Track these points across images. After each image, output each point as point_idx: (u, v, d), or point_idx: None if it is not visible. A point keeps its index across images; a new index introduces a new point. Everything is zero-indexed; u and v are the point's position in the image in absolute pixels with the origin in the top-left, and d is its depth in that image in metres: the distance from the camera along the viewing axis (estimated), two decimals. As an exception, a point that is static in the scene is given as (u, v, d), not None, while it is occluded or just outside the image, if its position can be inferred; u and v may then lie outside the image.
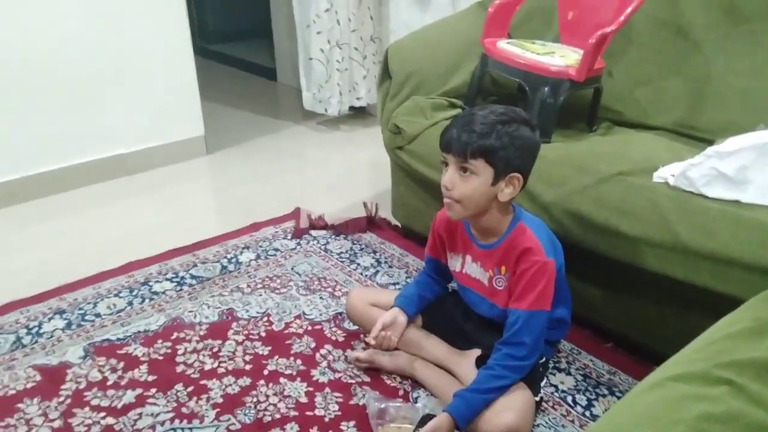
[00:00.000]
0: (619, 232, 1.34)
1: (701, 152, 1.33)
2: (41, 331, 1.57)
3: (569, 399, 1.38)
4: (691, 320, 1.16)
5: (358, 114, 3.23)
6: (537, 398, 1.29)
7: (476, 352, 1.36)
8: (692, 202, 1.28)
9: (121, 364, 1.46)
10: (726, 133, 1.40)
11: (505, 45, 1.73)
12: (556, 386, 1.41)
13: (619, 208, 1.35)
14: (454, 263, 1.41)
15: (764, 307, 0.97)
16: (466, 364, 1.36)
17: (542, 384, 1.35)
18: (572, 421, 1.32)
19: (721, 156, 1.28)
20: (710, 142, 1.43)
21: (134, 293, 1.73)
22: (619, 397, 1.37)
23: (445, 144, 1.22)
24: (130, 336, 1.55)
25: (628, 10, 1.60)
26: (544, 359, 1.36)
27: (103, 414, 1.32)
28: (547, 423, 1.31)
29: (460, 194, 1.22)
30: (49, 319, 1.62)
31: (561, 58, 1.65)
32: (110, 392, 1.38)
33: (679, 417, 0.75)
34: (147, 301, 1.70)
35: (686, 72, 1.74)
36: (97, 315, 1.64)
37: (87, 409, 1.33)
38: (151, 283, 1.77)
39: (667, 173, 1.37)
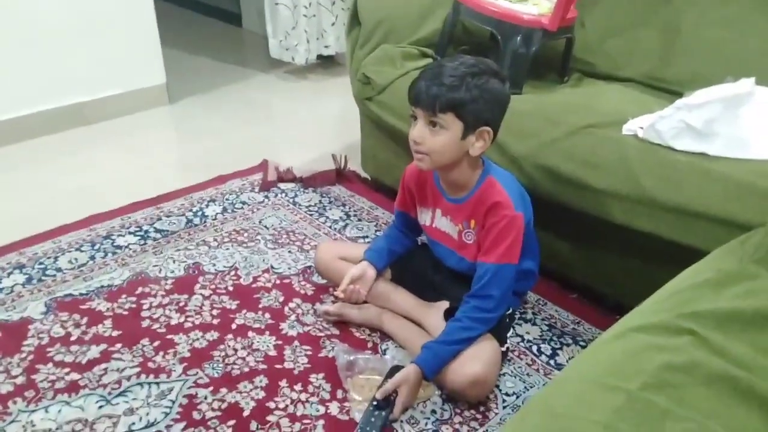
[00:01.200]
0: (588, 184, 1.35)
1: (670, 105, 1.32)
2: (0, 286, 1.53)
3: (534, 348, 1.41)
4: (655, 272, 1.17)
5: (327, 63, 3.15)
6: (503, 348, 1.31)
7: (444, 304, 1.37)
8: (660, 155, 1.29)
9: (85, 320, 1.43)
10: (695, 85, 1.40)
11: (477, -8, 1.68)
12: (522, 336, 1.44)
13: (588, 161, 1.35)
14: (424, 217, 1.40)
15: (727, 258, 0.99)
16: (434, 315, 1.37)
17: (508, 334, 1.37)
18: (537, 370, 1.35)
19: (690, 108, 1.28)
20: (679, 95, 1.42)
21: (96, 247, 1.69)
22: (583, 347, 1.41)
23: (414, 97, 1.19)
24: (93, 291, 1.52)
25: (603, -43, 1.57)
26: (510, 310, 1.37)
27: (67, 369, 1.30)
28: (512, 372, 1.34)
29: (429, 148, 1.20)
30: (9, 274, 1.57)
31: (534, 6, 1.62)
32: (74, 348, 1.35)
33: (641, 367, 0.77)
34: (110, 255, 1.66)
35: (657, 23, 1.73)
36: (58, 270, 1.60)
37: (50, 365, 1.31)
38: (113, 237, 1.73)
39: (636, 126, 1.37)
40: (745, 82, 1.30)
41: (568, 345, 1.42)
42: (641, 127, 1.35)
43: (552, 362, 1.37)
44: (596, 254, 1.47)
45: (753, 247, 0.97)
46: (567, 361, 1.37)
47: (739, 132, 1.27)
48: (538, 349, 1.41)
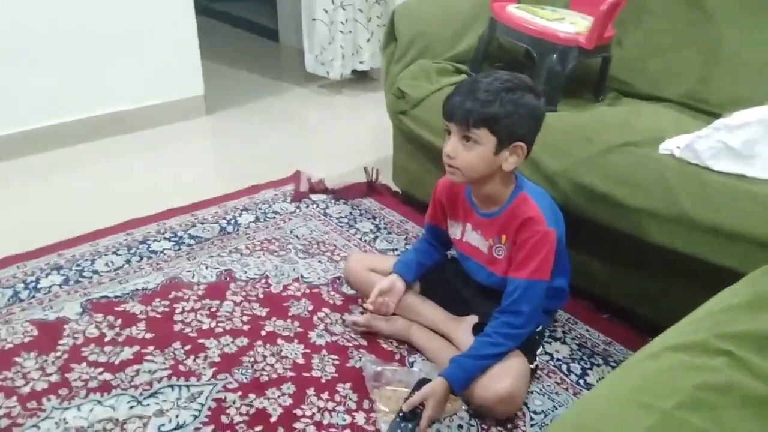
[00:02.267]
0: (624, 203, 1.33)
1: (709, 125, 1.31)
2: (39, 286, 1.57)
3: (564, 367, 1.39)
4: (691, 293, 1.15)
5: (361, 78, 3.19)
6: (532, 366, 1.29)
7: (473, 318, 1.36)
8: (698, 175, 1.27)
9: (119, 321, 1.46)
10: (734, 106, 1.38)
11: (514, 10, 1.69)
12: (551, 354, 1.42)
13: (624, 179, 1.34)
14: (455, 231, 1.40)
15: (765, 280, 0.97)
16: (463, 330, 1.36)
17: (538, 352, 1.35)
18: (566, 389, 1.33)
19: (729, 129, 1.27)
20: (718, 116, 1.41)
21: (132, 251, 1.72)
22: (613, 367, 1.38)
23: (448, 112, 1.20)
24: (128, 293, 1.55)
25: (642, -24, 1.57)
26: (540, 328, 1.36)
27: (100, 369, 1.32)
28: (541, 390, 1.32)
29: (462, 163, 1.20)
30: (47, 275, 1.61)
31: (571, 24, 1.62)
32: (107, 348, 1.38)
33: (676, 386, 0.76)
34: (145, 259, 1.69)
35: (698, 43, 1.71)
36: (95, 272, 1.64)
37: (84, 364, 1.34)
38: (149, 242, 1.77)
39: (673, 145, 1.35)
40: (787, 103, 1.28)
41: (598, 365, 1.40)
42: (678, 147, 1.33)
43: (581, 382, 1.35)
44: (630, 274, 1.45)
45: (793, 270, 0.95)
46: (597, 381, 1.35)
47: (780, 154, 1.25)
48: (568, 369, 1.39)
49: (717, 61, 1.67)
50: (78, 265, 1.65)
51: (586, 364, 1.40)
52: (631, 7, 1.67)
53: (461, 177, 1.23)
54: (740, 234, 1.18)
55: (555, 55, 1.57)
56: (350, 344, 1.42)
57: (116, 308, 1.50)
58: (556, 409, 1.28)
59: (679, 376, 0.77)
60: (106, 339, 1.41)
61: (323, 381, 1.31)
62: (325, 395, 1.28)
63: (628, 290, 1.47)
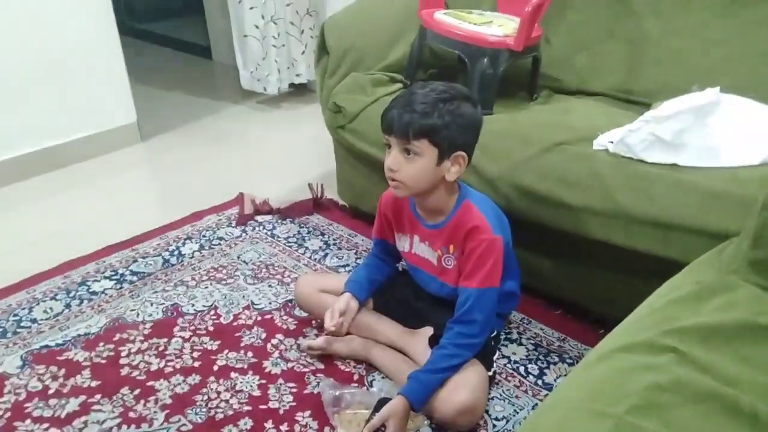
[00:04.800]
0: (563, 202, 1.35)
1: (639, 117, 1.33)
2: (-27, 342, 1.49)
3: (522, 369, 1.40)
4: (636, 285, 1.18)
5: (299, 91, 3.15)
6: (490, 373, 1.30)
7: (429, 330, 1.36)
8: (632, 168, 1.29)
9: (62, 371, 1.39)
10: (662, 95, 1.42)
11: (442, 16, 1.70)
12: (508, 357, 1.43)
13: (562, 178, 1.35)
14: (403, 244, 1.39)
15: (705, 270, 0.99)
16: (419, 343, 1.35)
17: (495, 357, 1.35)
18: (526, 392, 1.34)
19: (658, 120, 1.30)
20: (647, 106, 1.44)
21: (71, 295, 1.65)
22: (570, 364, 1.40)
23: (387, 125, 1.19)
24: (69, 340, 1.48)
25: (562, -25, 1.59)
26: (495, 333, 1.36)
27: (46, 425, 1.26)
28: (501, 395, 1.32)
29: (404, 176, 1.19)
30: (-19, 329, 1.53)
31: (499, 27, 1.63)
32: (52, 401, 1.31)
33: (627, 389, 0.76)
34: (86, 302, 1.62)
35: (622, 35, 1.75)
36: (33, 320, 1.56)
37: (29, 421, 1.27)
38: (89, 283, 1.69)
39: (606, 140, 1.37)
40: (711, 91, 1.32)
41: (555, 363, 1.41)
42: (611, 142, 1.36)
43: (540, 382, 1.36)
44: (577, 270, 1.47)
45: (730, 258, 0.97)
46: (555, 380, 1.36)
47: (708, 141, 1.28)
48: (526, 370, 1.39)
49: (642, 51, 1.72)
50: (15, 315, 1.57)
51: (543, 363, 1.41)
52: (556, 5, 1.69)
53: (405, 191, 1.23)
54: (677, 224, 1.21)
55: (486, 59, 1.57)
56: (307, 369, 1.39)
57: (58, 357, 1.43)
58: (517, 413, 1.28)
59: (629, 378, 0.78)
60: (50, 391, 1.34)
61: (281, 412, 1.28)
62: (284, 427, 1.25)
63: (576, 286, 1.49)
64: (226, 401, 1.31)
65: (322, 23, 1.83)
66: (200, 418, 1.27)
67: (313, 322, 1.52)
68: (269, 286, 1.67)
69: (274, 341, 1.47)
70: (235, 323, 1.53)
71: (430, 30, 1.68)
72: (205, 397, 1.32)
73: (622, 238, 1.29)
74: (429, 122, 1.15)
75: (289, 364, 1.40)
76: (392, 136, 1.19)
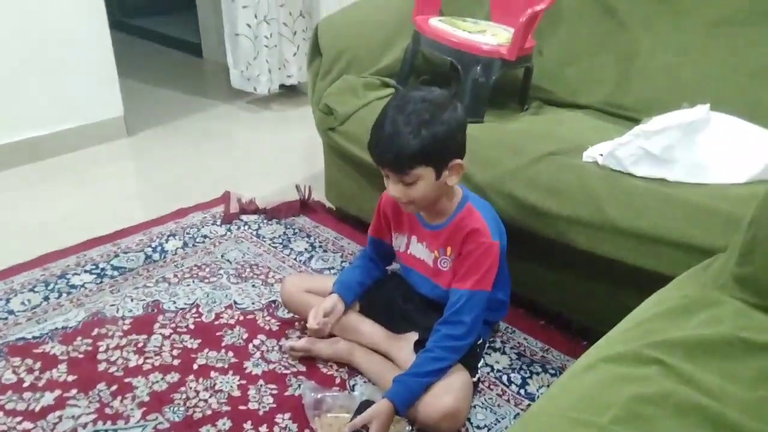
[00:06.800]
0: (551, 212, 1.35)
1: (628, 132, 1.34)
2: (-54, 332, 1.45)
3: (504, 378, 1.39)
4: (621, 297, 1.18)
5: (289, 92, 3.14)
6: (474, 379, 1.29)
7: (413, 336, 1.35)
8: (620, 181, 1.30)
9: (38, 364, 1.36)
10: (652, 111, 1.43)
11: (436, 23, 1.70)
12: (491, 366, 1.42)
13: (551, 189, 1.36)
14: (399, 243, 1.39)
15: (691, 284, 1.00)
16: (404, 348, 1.34)
17: (479, 365, 1.35)
18: (508, 401, 1.33)
19: (648, 135, 1.31)
20: (637, 121, 1.45)
21: (50, 287, 1.62)
22: (552, 375, 1.40)
23: (378, 161, 1.21)
24: (46, 334, 1.45)
25: (558, -12, 1.60)
26: (481, 340, 1.36)
27: (19, 419, 1.23)
28: (483, 403, 1.32)
29: (411, 198, 1.21)
30: (-45, 319, 1.49)
31: (492, 36, 1.64)
32: (27, 395, 1.29)
33: (611, 400, 0.76)
34: (64, 295, 1.59)
35: (614, 50, 1.76)
36: (10, 312, 1.52)
37: (1, 413, 1.24)
38: (68, 276, 1.66)
39: (596, 153, 1.38)
40: (701, 108, 1.33)
41: (537, 374, 1.41)
42: (601, 154, 1.36)
43: (522, 392, 1.36)
44: (563, 280, 1.48)
45: (716, 273, 0.98)
46: (537, 390, 1.36)
47: (697, 157, 1.29)
48: (508, 379, 1.39)
49: (632, 66, 1.73)
50: (-10, 306, 1.54)
51: (526, 373, 1.41)
52: (549, 17, 1.70)
53: (416, 208, 1.26)
54: (664, 238, 1.22)
55: (479, 67, 1.58)
56: (288, 371, 1.37)
57: (35, 350, 1.40)
58: (499, 422, 1.27)
59: (614, 389, 0.78)
60: (25, 384, 1.31)
61: (261, 413, 1.26)
62: (263, 428, 1.23)
63: (561, 296, 1.50)
64: (205, 401, 1.29)
65: (316, 24, 1.83)
66: (178, 416, 1.25)
67: (296, 324, 1.51)
68: (253, 286, 1.66)
69: (256, 342, 1.46)
70: (216, 322, 1.52)
71: (424, 36, 1.69)
72: (184, 396, 1.30)
73: (608, 250, 1.29)
74: (417, 151, 1.14)
75: (271, 366, 1.39)
76: (386, 170, 1.20)
